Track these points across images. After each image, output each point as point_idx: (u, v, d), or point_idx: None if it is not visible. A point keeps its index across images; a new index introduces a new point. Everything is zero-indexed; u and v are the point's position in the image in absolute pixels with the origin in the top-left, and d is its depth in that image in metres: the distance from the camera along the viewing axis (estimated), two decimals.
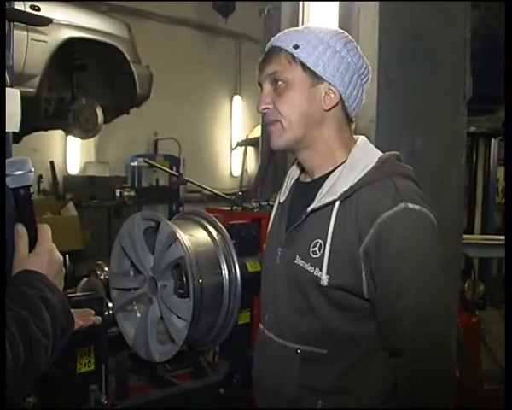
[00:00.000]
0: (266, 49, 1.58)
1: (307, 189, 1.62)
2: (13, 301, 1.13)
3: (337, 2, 2.67)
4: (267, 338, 1.65)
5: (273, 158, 3.69)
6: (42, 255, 1.26)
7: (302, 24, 2.78)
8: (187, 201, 8.71)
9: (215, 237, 2.10)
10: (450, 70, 2.85)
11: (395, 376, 1.51)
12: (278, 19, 3.22)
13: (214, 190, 3.73)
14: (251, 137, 9.62)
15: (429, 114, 2.71)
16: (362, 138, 1.62)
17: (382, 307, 1.46)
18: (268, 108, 1.55)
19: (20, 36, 4.54)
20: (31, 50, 4.82)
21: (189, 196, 8.80)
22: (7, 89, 1.60)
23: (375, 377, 1.54)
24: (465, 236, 3.86)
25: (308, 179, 1.64)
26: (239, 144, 10.44)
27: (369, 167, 1.51)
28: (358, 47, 1.57)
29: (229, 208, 2.81)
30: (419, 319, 1.43)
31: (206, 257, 2.05)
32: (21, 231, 1.27)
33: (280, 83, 1.53)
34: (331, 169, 1.56)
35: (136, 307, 2.15)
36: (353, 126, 1.63)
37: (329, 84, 1.51)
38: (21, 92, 2.60)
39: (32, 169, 1.28)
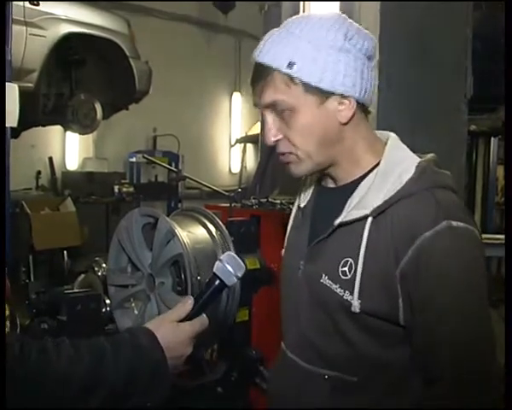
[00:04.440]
0: (255, 62, 1.37)
1: (332, 196, 1.46)
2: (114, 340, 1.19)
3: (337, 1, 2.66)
4: (291, 361, 1.49)
5: (273, 155, 3.68)
6: (179, 333, 1.29)
7: None
8: (185, 197, 8.70)
9: (214, 234, 2.08)
10: (451, 69, 2.84)
11: (427, 402, 1.35)
12: (278, 16, 3.20)
13: (213, 187, 3.72)
14: (250, 133, 9.61)
15: (430, 112, 2.70)
16: (392, 137, 1.46)
17: (420, 333, 1.31)
18: (279, 140, 1.37)
19: (18, 31, 4.53)
20: (29, 45, 4.81)
21: (187, 192, 8.79)
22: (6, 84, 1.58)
23: (406, 405, 1.39)
24: None
25: (332, 185, 1.48)
26: (238, 141, 10.43)
27: (407, 178, 1.33)
28: (353, 22, 1.37)
29: (228, 205, 2.80)
30: (461, 346, 1.29)
31: (205, 254, 2.03)
32: (188, 305, 1.32)
33: (284, 110, 1.34)
34: (360, 175, 1.40)
35: (133, 304, 2.13)
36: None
37: (341, 94, 1.32)
38: (20, 87, 2.59)
39: (237, 278, 1.34)
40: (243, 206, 2.82)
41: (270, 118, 1.37)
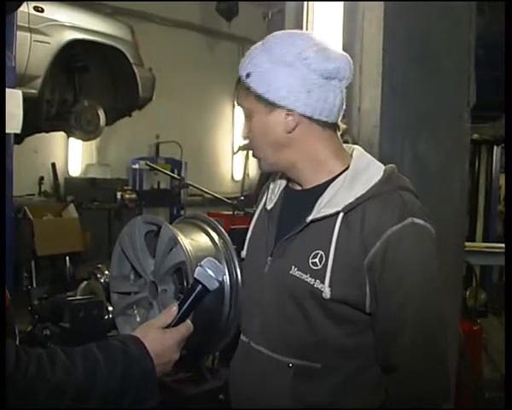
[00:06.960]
0: None
1: (300, 198, 1.57)
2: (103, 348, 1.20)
3: (341, 4, 2.66)
4: (255, 351, 1.58)
5: None
6: (166, 340, 1.31)
7: (306, 27, 2.77)
8: (188, 204, 8.70)
9: (216, 241, 2.08)
10: (455, 76, 2.83)
11: (389, 391, 1.49)
12: (282, 23, 3.20)
13: (216, 194, 3.72)
14: None
15: (433, 120, 2.69)
16: (358, 149, 1.58)
17: (383, 320, 1.45)
18: (248, 137, 1.57)
19: (23, 37, 4.55)
20: (33, 52, 4.83)
21: (190, 199, 8.79)
22: (9, 90, 1.59)
23: (367, 392, 1.51)
24: (467, 243, 3.85)
25: (299, 188, 1.59)
26: (241, 148, 10.37)
27: (376, 180, 1.47)
28: (327, 44, 1.46)
29: (230, 213, 2.80)
30: (420, 333, 1.44)
31: None
32: (173, 312, 1.35)
33: (246, 115, 1.53)
34: (326, 179, 1.51)
35: (136, 312, 2.13)
36: (343, 127, 1.58)
37: (284, 108, 1.44)
38: (23, 93, 2.60)
39: (218, 282, 1.38)
40: (246, 213, 2.81)
41: (243, 117, 1.55)
